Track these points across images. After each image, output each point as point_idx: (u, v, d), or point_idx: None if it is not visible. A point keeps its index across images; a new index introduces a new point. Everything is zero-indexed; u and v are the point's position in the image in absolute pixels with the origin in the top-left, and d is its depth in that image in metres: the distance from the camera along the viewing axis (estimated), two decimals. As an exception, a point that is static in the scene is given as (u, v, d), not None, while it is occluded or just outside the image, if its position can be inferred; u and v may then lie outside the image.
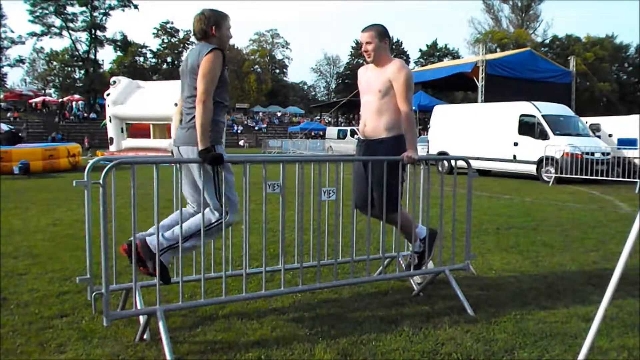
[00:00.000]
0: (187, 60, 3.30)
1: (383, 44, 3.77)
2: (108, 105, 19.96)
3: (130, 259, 3.02)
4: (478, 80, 23.13)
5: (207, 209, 3.22)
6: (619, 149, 15.13)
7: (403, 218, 3.82)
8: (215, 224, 3.22)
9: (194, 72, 3.17)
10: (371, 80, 3.84)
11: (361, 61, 74.02)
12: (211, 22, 3.26)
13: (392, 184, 3.70)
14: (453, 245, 4.02)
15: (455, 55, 67.92)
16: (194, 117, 3.18)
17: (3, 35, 52.45)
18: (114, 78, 21.17)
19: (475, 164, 13.64)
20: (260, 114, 62.50)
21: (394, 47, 72.69)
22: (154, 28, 65.00)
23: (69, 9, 55.24)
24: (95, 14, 56.23)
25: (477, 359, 2.90)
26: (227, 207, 3.20)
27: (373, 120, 3.81)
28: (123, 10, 57.92)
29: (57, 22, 55.43)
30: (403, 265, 4.14)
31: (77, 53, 57.97)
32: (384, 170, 3.63)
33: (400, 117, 3.79)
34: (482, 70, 22.95)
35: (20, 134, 18.12)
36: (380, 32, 3.77)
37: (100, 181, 2.73)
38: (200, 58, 3.12)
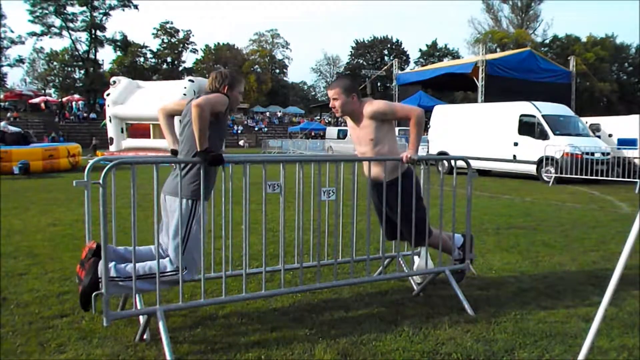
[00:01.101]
0: (188, 108, 3.25)
1: (351, 98, 3.69)
2: (108, 105, 19.95)
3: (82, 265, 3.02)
4: (478, 80, 23.15)
5: (168, 258, 3.15)
6: (619, 149, 15.11)
7: (435, 239, 3.86)
8: (169, 274, 3.11)
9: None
10: (358, 132, 3.79)
11: (361, 61, 74.14)
12: (226, 82, 3.29)
13: (416, 211, 3.70)
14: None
15: (455, 55, 67.94)
16: (186, 166, 3.14)
17: (3, 35, 52.47)
18: (114, 78, 21.14)
19: (475, 164, 13.62)
20: (268, 113, 62.54)
21: (393, 47, 72.80)
22: (154, 28, 65.07)
23: (69, 9, 55.32)
24: (95, 14, 56.26)
25: (477, 359, 2.90)
26: (187, 264, 3.12)
27: (375, 168, 3.76)
28: (123, 10, 58.04)
29: (57, 22, 55.52)
30: (403, 265, 4.14)
31: (77, 53, 57.96)
32: (401, 201, 3.64)
33: (397, 153, 3.81)
34: (482, 70, 22.97)
35: (27, 137, 17.95)
36: (347, 88, 3.70)
37: (100, 181, 2.73)
38: None
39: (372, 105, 3.67)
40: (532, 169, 14.95)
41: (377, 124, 3.67)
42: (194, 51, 66.26)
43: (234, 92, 3.32)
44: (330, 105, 3.81)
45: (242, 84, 3.39)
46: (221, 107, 3.14)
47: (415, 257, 4.21)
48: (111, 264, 3.01)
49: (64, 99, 50.91)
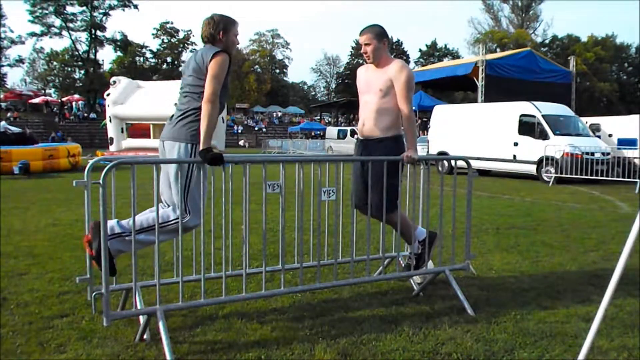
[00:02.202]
0: (190, 60, 3.32)
1: (382, 44, 3.76)
2: (108, 105, 19.95)
3: (91, 250, 3.01)
4: (478, 80, 23.13)
5: (170, 207, 3.19)
6: (619, 149, 15.12)
7: (401, 219, 3.82)
8: (173, 222, 3.15)
9: (196, 71, 3.18)
10: (371, 80, 3.82)
11: (361, 61, 73.89)
12: (220, 27, 3.28)
13: (391, 184, 3.69)
14: (453, 245, 4.01)
15: (455, 55, 67.94)
16: (185, 113, 3.19)
17: (3, 35, 52.45)
18: (114, 78, 21.14)
19: (475, 164, 13.61)
20: (274, 113, 62.52)
21: (394, 47, 72.75)
22: (154, 28, 65.07)
23: (69, 9, 55.22)
24: (95, 14, 56.17)
25: (477, 359, 2.90)
26: (192, 210, 3.15)
27: (372, 120, 3.79)
28: (123, 10, 57.94)
29: (57, 22, 55.43)
30: (402, 265, 4.14)
31: (77, 53, 57.91)
32: (382, 170, 3.63)
33: (399, 117, 3.80)
34: (482, 70, 22.95)
35: (31, 137, 17.82)
36: (379, 33, 3.76)
37: (100, 181, 2.73)
38: (206, 59, 3.14)
39: (401, 64, 3.75)
40: (532, 169, 14.96)
41: (391, 82, 3.71)
42: (194, 51, 66.30)
43: (230, 35, 3.31)
44: (362, 51, 3.84)
45: (236, 26, 3.36)
46: (225, 74, 3.15)
47: (414, 259, 4.20)
48: (114, 222, 3.09)
49: (64, 99, 50.89)
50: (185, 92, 3.26)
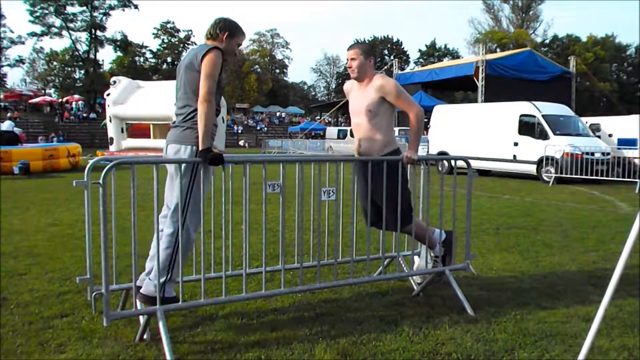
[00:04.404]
0: (183, 59, 3.31)
1: (368, 61, 3.75)
2: (108, 105, 19.96)
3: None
4: (478, 80, 23.15)
5: (170, 230, 3.09)
6: (619, 149, 15.11)
7: (417, 227, 3.83)
8: (179, 238, 3.07)
9: (190, 68, 3.17)
10: (358, 101, 3.81)
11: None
12: (226, 29, 3.28)
13: (404, 200, 3.71)
14: (453, 246, 4.01)
15: (455, 55, 67.95)
16: (187, 115, 3.17)
17: (3, 35, 52.43)
18: (114, 78, 21.15)
19: (475, 164, 13.61)
20: (277, 114, 62.53)
21: (393, 47, 72.79)
22: (154, 28, 65.05)
23: (69, 9, 55.18)
24: (95, 14, 56.15)
25: (477, 359, 2.90)
26: (191, 210, 3.12)
27: (367, 141, 3.78)
28: (123, 10, 57.91)
29: (57, 22, 55.38)
30: (403, 266, 4.15)
31: (77, 53, 57.88)
32: (391, 189, 3.64)
33: (392, 132, 3.87)
34: (482, 70, 22.97)
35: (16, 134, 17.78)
36: (366, 50, 3.78)
37: (100, 181, 2.73)
38: (200, 56, 3.12)
39: (384, 79, 3.74)
40: (532, 169, 14.95)
41: (380, 99, 3.70)
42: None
43: (232, 42, 3.31)
44: (347, 66, 3.87)
45: (242, 37, 3.38)
46: (218, 72, 3.14)
47: (416, 257, 4.21)
48: (152, 278, 3.08)
49: (64, 99, 50.86)
50: (182, 94, 3.24)
